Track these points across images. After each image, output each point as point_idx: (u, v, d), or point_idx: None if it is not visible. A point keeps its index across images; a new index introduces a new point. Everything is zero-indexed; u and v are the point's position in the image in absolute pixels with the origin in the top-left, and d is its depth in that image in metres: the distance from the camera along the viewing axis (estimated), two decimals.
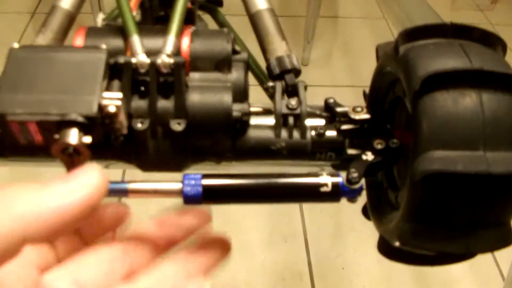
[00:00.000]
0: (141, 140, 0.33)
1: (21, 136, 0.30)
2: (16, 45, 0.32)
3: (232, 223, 1.15)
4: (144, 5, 0.46)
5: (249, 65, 0.36)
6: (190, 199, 0.32)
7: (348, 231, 1.22)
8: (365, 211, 0.40)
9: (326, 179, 0.31)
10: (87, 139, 0.29)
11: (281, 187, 0.32)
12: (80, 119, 0.29)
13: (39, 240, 0.24)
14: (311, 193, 0.31)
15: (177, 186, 0.32)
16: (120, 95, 0.30)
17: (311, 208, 1.22)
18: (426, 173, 0.28)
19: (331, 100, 0.36)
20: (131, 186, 0.32)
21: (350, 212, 1.20)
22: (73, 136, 0.28)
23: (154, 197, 0.32)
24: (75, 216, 0.26)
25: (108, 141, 0.32)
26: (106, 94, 0.30)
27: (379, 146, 0.33)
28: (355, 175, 0.32)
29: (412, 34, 0.33)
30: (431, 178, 0.28)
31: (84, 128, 0.29)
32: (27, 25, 1.67)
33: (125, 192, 0.32)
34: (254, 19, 0.44)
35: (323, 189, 0.31)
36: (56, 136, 0.28)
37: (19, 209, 0.24)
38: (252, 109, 0.35)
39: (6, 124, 0.29)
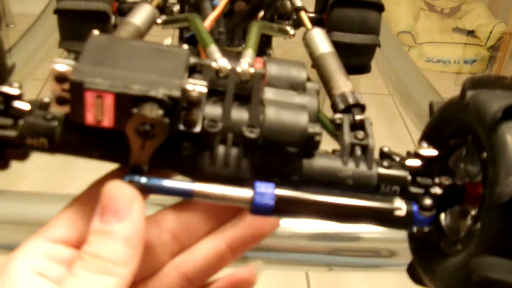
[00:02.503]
0: (210, 145, 0.30)
1: (91, 112, 0.27)
2: (96, 32, 0.31)
3: None
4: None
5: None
6: (259, 210, 0.29)
7: None
8: (411, 271, 0.38)
9: (401, 204, 0.30)
10: (166, 120, 0.26)
11: (356, 206, 0.30)
12: (163, 97, 0.26)
13: None
14: (385, 216, 0.30)
15: (247, 193, 0.29)
16: (204, 82, 0.28)
17: None
18: None
19: (386, 149, 0.35)
20: (197, 187, 0.29)
21: None
22: (154, 110, 0.26)
23: (219, 202, 0.29)
24: None
25: (174, 145, 0.30)
26: (190, 80, 0.28)
27: (446, 182, 0.32)
28: (429, 202, 0.31)
29: (477, 83, 0.34)
30: None
31: (164, 109, 0.27)
32: None
33: (189, 194, 0.29)
34: (318, 61, 0.44)
35: (398, 213, 0.30)
36: (134, 110, 0.26)
37: None
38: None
39: (82, 93, 0.26)
